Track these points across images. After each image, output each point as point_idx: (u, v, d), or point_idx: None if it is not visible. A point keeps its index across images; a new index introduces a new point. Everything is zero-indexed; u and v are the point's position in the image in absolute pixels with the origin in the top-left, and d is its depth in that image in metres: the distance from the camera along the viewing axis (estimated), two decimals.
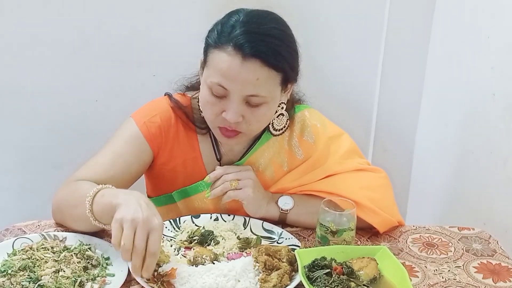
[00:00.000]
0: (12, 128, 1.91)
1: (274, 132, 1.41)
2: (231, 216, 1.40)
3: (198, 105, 1.38)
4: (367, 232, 1.41)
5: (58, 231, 1.32)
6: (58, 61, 1.84)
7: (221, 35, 1.24)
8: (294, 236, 1.34)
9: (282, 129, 1.42)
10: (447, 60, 1.90)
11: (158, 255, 1.11)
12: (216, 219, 1.39)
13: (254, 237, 1.33)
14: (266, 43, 1.22)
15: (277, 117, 1.40)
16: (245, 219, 1.40)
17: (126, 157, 1.36)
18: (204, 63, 1.30)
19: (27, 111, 1.89)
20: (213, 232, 1.32)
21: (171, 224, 1.37)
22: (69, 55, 1.84)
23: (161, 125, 1.39)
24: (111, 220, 1.12)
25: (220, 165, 1.43)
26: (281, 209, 1.40)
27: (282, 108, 1.39)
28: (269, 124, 1.39)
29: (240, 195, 1.36)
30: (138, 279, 1.14)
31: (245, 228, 1.38)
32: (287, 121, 1.42)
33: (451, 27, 1.87)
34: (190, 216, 1.39)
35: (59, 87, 1.87)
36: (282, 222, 1.41)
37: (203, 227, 1.35)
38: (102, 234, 1.34)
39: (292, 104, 1.45)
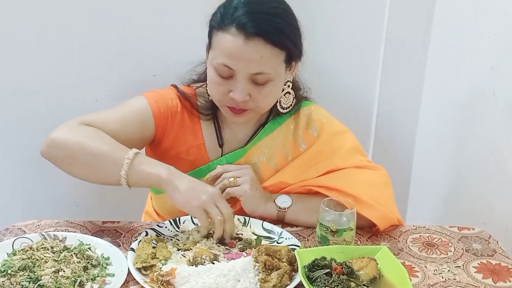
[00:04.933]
0: (12, 128, 1.90)
1: (281, 110, 1.46)
2: None
3: (206, 90, 1.42)
4: (367, 232, 1.41)
5: (58, 231, 1.32)
6: (58, 61, 1.84)
7: (224, 17, 1.29)
8: (294, 236, 1.34)
9: (289, 107, 1.46)
10: (447, 60, 1.89)
11: None
12: None
13: (254, 237, 1.33)
14: (268, 21, 1.27)
15: (284, 95, 1.43)
16: (245, 218, 1.40)
17: (132, 124, 1.39)
18: (209, 46, 1.34)
19: (27, 111, 1.89)
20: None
21: (171, 224, 1.37)
22: (69, 55, 1.83)
23: (170, 108, 1.43)
24: (146, 186, 1.31)
25: (222, 152, 1.46)
26: (279, 207, 1.40)
27: (289, 86, 1.43)
28: (277, 102, 1.43)
29: (237, 191, 1.38)
30: (138, 279, 1.14)
31: (245, 227, 1.38)
32: (293, 100, 1.46)
33: (451, 27, 1.87)
34: (190, 216, 1.39)
35: (59, 87, 1.87)
36: (280, 221, 1.41)
37: None
38: (102, 234, 1.35)
39: (298, 88, 1.49)
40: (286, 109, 1.46)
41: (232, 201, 1.40)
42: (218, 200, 1.26)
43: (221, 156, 1.47)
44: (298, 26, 1.34)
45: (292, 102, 1.46)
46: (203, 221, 1.25)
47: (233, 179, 1.39)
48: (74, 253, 1.21)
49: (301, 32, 1.35)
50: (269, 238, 1.35)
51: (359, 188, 1.39)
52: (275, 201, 1.41)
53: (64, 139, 1.30)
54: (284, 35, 1.29)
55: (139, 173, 1.27)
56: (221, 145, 1.47)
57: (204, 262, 1.19)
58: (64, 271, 1.14)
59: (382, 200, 1.40)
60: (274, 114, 1.49)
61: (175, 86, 1.47)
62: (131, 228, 1.39)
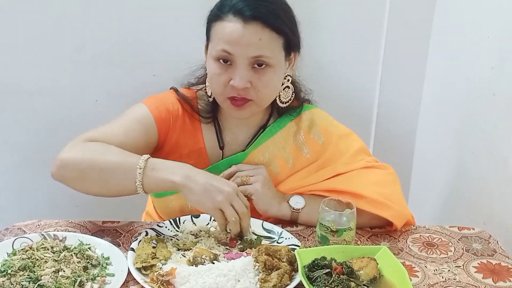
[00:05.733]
0: (11, 128, 1.91)
1: (281, 104, 1.45)
2: None
3: (205, 92, 1.43)
4: (367, 232, 1.41)
5: (58, 231, 1.32)
6: (58, 61, 1.84)
7: (221, 8, 1.31)
8: (294, 236, 1.34)
9: (288, 101, 1.46)
10: (447, 60, 1.89)
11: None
12: None
13: (254, 237, 1.33)
14: (265, 6, 1.29)
15: (283, 89, 1.43)
16: None
17: (136, 134, 1.38)
18: (208, 41, 1.36)
19: (27, 111, 1.89)
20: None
21: (171, 224, 1.37)
22: (69, 55, 1.83)
23: (172, 112, 1.43)
24: (162, 191, 1.33)
25: (223, 155, 1.46)
26: (293, 208, 1.40)
27: (288, 80, 1.44)
28: (277, 96, 1.42)
29: (248, 189, 1.38)
30: (138, 279, 1.14)
31: None
32: (292, 94, 1.46)
33: (451, 27, 1.87)
34: (190, 216, 1.39)
35: (59, 87, 1.87)
36: (293, 221, 1.42)
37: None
38: (102, 234, 1.35)
39: (299, 89, 1.49)
40: (285, 103, 1.45)
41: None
42: (234, 198, 1.24)
43: (222, 159, 1.47)
44: (293, 14, 1.36)
45: (292, 97, 1.46)
46: (219, 220, 1.25)
47: (246, 177, 1.39)
48: (74, 253, 1.21)
49: (296, 21, 1.37)
50: (269, 238, 1.35)
51: (370, 188, 1.38)
52: (289, 201, 1.41)
53: (73, 158, 1.29)
54: (280, 20, 1.31)
55: (153, 180, 1.26)
56: (221, 148, 1.46)
57: (204, 262, 1.19)
58: (64, 271, 1.14)
59: (394, 198, 1.40)
60: (274, 115, 1.49)
61: (175, 89, 1.47)
62: (131, 228, 1.39)
